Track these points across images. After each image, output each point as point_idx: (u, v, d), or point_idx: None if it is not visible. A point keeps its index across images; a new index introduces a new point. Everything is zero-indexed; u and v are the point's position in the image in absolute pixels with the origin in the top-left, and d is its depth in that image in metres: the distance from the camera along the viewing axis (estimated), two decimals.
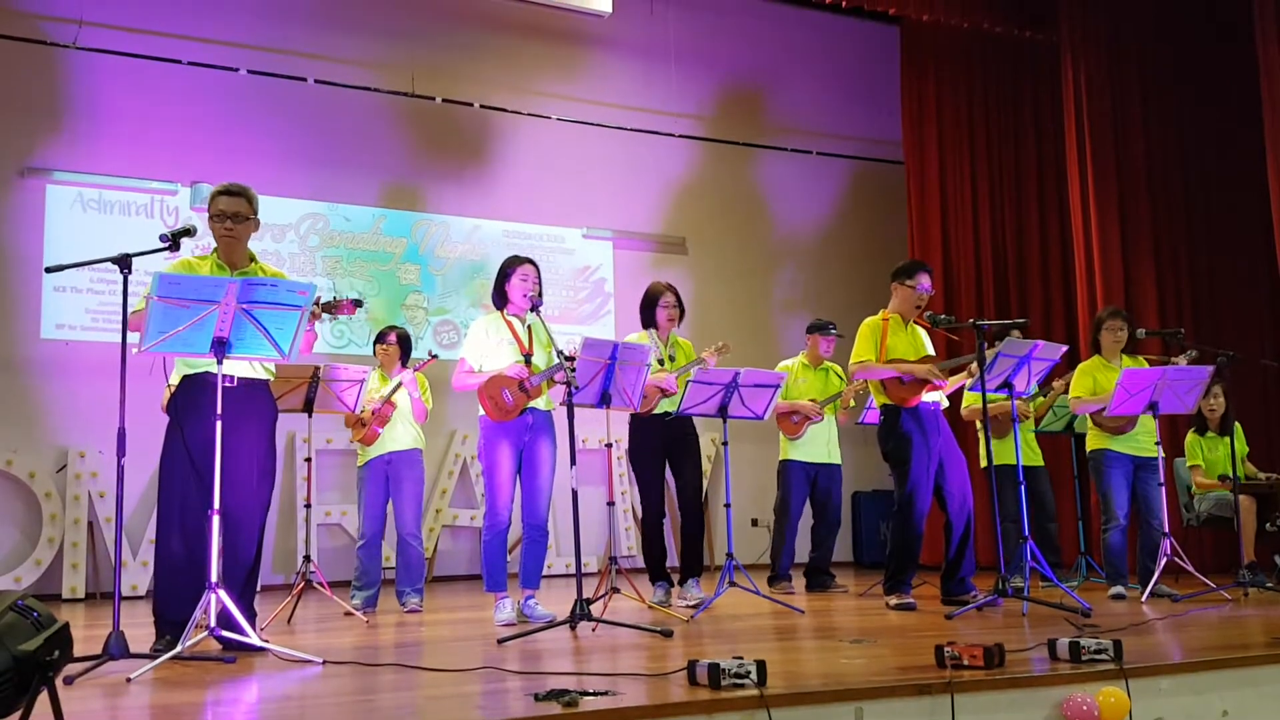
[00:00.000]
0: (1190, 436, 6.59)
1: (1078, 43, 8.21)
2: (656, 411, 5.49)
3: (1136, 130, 8.11)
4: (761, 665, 2.73)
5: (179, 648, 3.44)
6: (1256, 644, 3.57)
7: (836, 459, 6.67)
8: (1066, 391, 6.24)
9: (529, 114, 8.99)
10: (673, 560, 5.81)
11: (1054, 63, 8.56)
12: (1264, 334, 7.70)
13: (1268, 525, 6.09)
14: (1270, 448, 7.38)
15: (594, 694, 2.65)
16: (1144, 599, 5.32)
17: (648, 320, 5.69)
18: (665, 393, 5.42)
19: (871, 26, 9.92)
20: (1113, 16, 8.20)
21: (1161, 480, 5.69)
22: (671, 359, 5.61)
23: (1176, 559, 5.49)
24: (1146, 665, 3.06)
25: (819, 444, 6.60)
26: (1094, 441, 5.90)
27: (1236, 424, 6.28)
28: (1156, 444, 5.70)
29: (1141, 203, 8.02)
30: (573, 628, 4.19)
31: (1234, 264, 8.11)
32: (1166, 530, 5.55)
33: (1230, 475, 6.16)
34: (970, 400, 6.37)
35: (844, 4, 8.70)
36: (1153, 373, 5.48)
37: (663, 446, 5.56)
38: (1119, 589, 5.58)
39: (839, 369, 6.78)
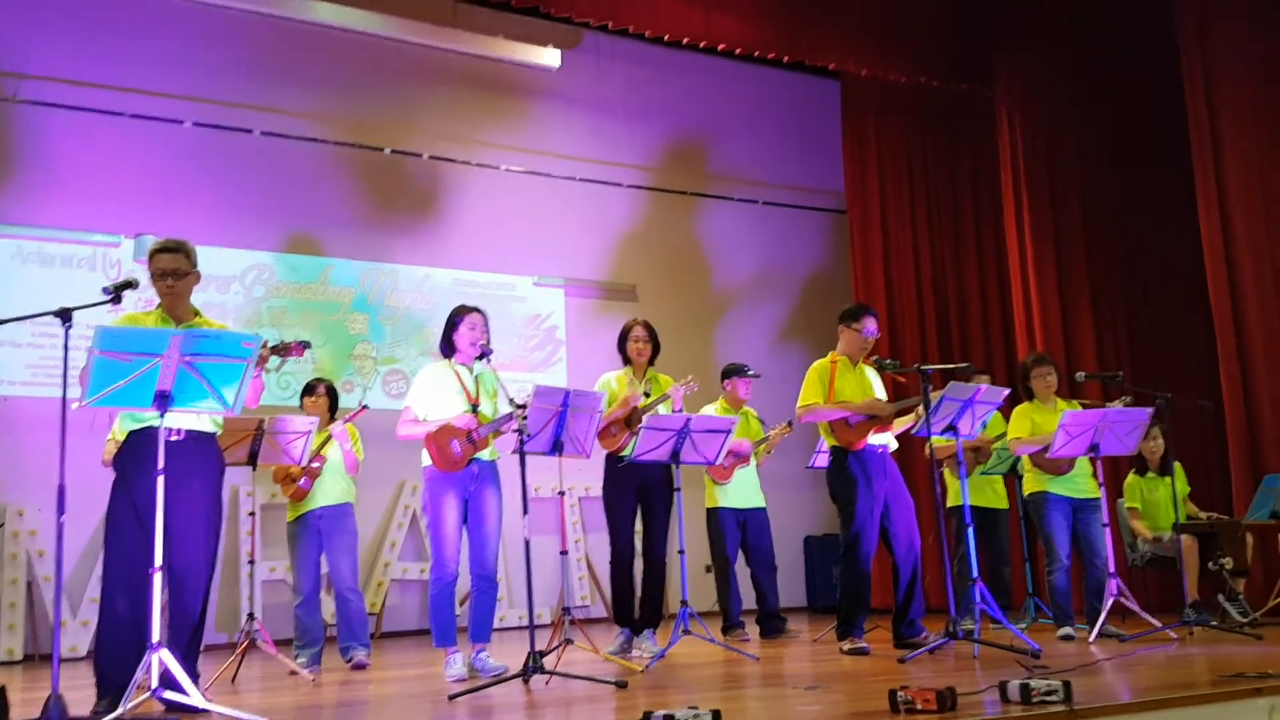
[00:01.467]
0: (1131, 477, 6.71)
1: (1013, 96, 8.48)
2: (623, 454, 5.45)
3: (1072, 180, 8.36)
4: (717, 715, 2.72)
5: (120, 710, 3.34)
6: (1203, 683, 3.62)
7: (762, 503, 6.72)
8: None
9: (478, 164, 9.03)
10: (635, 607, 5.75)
11: (991, 115, 8.80)
12: (1201, 376, 7.89)
13: (1210, 564, 6.19)
14: (1210, 487, 7.54)
15: None
16: (1092, 639, 5.37)
17: (625, 357, 5.69)
18: (630, 424, 5.39)
19: (813, 81, 10.14)
20: (1047, 71, 8.48)
21: (1106, 521, 5.77)
22: (647, 395, 5.54)
23: (1123, 599, 5.56)
24: (1096, 706, 3.09)
25: (746, 489, 6.64)
26: (1032, 484, 5.98)
27: (1177, 464, 6.41)
28: (1100, 485, 5.79)
29: (1077, 250, 8.24)
30: (525, 681, 4.14)
31: (1169, 308, 8.34)
32: (1112, 570, 5.63)
33: (1165, 533, 6.26)
34: (938, 441, 6.42)
35: (785, 59, 8.90)
36: (1094, 415, 5.59)
37: (637, 490, 5.51)
38: (1067, 630, 5.63)
39: (755, 413, 6.84)
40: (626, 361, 5.66)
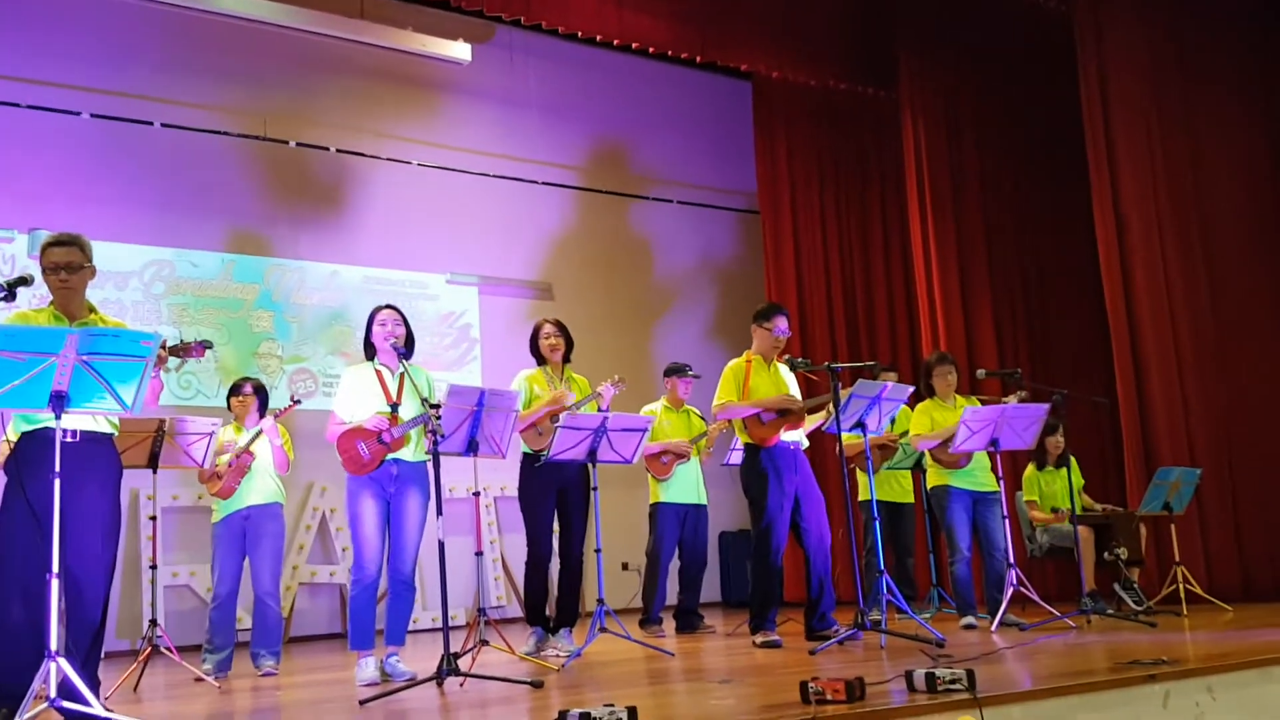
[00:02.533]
0: (1029, 470, 6.93)
1: (918, 101, 8.67)
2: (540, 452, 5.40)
3: (973, 182, 8.60)
4: (633, 711, 2.73)
5: None
6: (1100, 669, 3.74)
7: (704, 500, 6.79)
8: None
9: (388, 159, 8.90)
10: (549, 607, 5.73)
11: (896, 119, 9.00)
12: (1096, 372, 8.19)
13: (1105, 555, 6.42)
14: (1105, 480, 7.82)
15: None
16: (994, 629, 5.54)
17: (538, 357, 5.65)
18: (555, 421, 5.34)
19: (726, 81, 10.23)
20: (950, 76, 8.71)
21: (1005, 513, 5.95)
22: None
23: (1022, 589, 5.74)
24: (999, 694, 3.18)
25: (688, 485, 6.70)
26: (934, 478, 6.15)
27: (1072, 457, 6.64)
28: (999, 479, 5.98)
29: (978, 250, 8.49)
30: (440, 684, 4.09)
31: (1067, 308, 8.64)
32: (1011, 561, 5.81)
33: (1062, 508, 6.50)
34: (848, 439, 6.53)
35: (699, 59, 8.97)
36: (993, 411, 5.77)
37: (555, 489, 5.47)
38: (969, 619, 5.80)
39: (697, 411, 6.91)
40: (540, 361, 5.63)
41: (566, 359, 5.63)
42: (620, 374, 5.65)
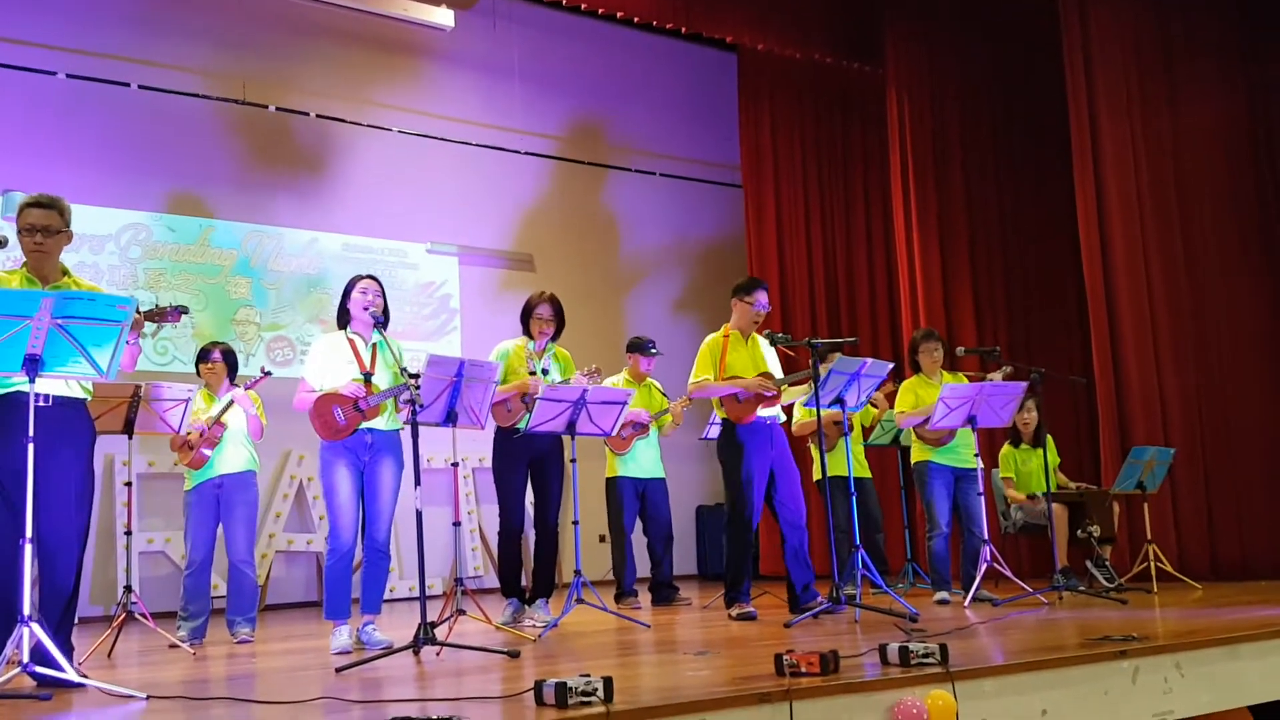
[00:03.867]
0: (1005, 448, 6.96)
1: (902, 76, 8.65)
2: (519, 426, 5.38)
3: (955, 159, 8.59)
4: (608, 682, 2.74)
5: None
6: (1071, 645, 3.78)
7: (661, 473, 6.79)
8: (891, 405, 6.55)
9: (368, 125, 8.81)
10: (524, 578, 5.74)
11: (881, 94, 8.97)
12: (1072, 351, 8.23)
13: (1079, 532, 6.47)
14: (1080, 459, 7.88)
15: None
16: (967, 604, 5.58)
17: (526, 328, 5.58)
18: (525, 400, 5.32)
19: (711, 53, 10.17)
20: (935, 52, 8.68)
21: (981, 490, 6.00)
22: (545, 371, 5.46)
23: (996, 565, 5.79)
24: (971, 668, 3.21)
25: (645, 459, 6.71)
26: (917, 454, 6.19)
27: (1048, 436, 6.68)
28: (975, 455, 6.02)
29: (960, 228, 8.50)
30: (416, 653, 4.10)
31: (1045, 286, 8.66)
32: (986, 538, 5.86)
33: (1040, 494, 6.54)
34: (802, 415, 6.58)
35: (683, 30, 8.91)
36: (970, 388, 5.80)
37: (528, 461, 5.45)
38: (943, 594, 5.85)
39: (659, 385, 6.91)
40: (526, 333, 5.57)
41: (554, 338, 5.59)
42: (593, 346, 5.64)
